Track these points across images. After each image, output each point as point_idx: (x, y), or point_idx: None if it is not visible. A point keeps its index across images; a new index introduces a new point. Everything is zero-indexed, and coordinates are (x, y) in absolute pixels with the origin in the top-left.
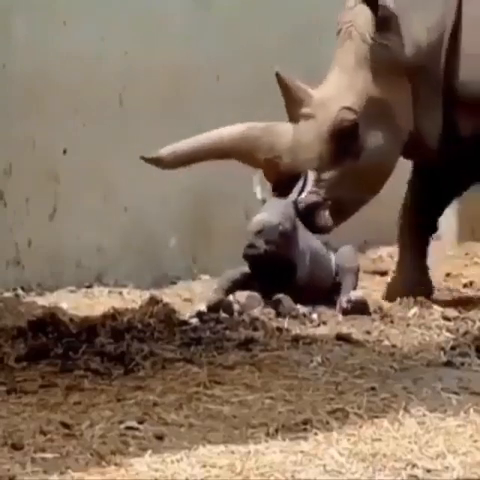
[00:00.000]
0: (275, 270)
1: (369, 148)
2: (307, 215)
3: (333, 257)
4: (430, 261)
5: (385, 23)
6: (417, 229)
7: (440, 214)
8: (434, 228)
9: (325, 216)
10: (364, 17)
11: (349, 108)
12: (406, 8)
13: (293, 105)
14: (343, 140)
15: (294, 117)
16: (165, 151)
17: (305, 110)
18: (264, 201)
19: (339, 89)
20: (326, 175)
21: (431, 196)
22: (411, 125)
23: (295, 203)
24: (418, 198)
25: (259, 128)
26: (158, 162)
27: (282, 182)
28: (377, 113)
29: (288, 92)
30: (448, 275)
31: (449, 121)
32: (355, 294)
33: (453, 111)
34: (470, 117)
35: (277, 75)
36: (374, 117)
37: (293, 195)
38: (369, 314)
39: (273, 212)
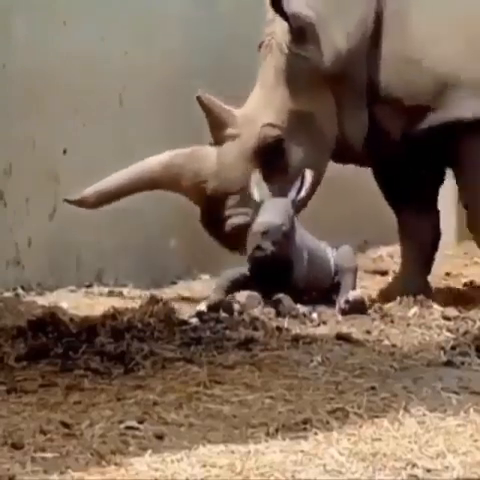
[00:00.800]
0: (275, 270)
1: (296, 161)
2: (233, 236)
3: (332, 257)
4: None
5: (301, 33)
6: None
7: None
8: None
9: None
10: (282, 28)
11: (271, 124)
12: (326, 15)
13: (217, 127)
14: (269, 157)
15: (219, 139)
16: (88, 192)
17: (229, 131)
18: (261, 202)
19: (260, 106)
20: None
21: (391, 192)
22: (336, 131)
23: (293, 202)
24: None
25: (183, 155)
26: (82, 203)
27: (211, 207)
28: (300, 125)
29: (211, 115)
30: (448, 275)
31: (374, 123)
32: (353, 294)
33: (378, 113)
34: (394, 118)
35: (198, 98)
36: (298, 130)
37: (291, 194)
38: (367, 313)
39: (275, 212)
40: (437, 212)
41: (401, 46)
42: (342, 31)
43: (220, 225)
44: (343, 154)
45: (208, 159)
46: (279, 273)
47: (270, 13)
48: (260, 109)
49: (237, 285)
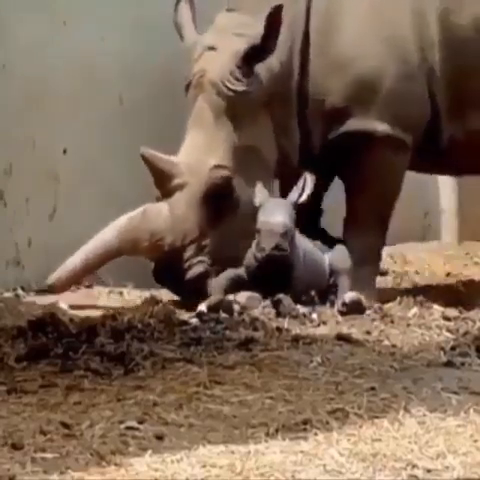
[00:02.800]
0: (277, 271)
1: (245, 196)
2: (194, 285)
3: (327, 258)
4: (430, 261)
5: (247, 69)
6: None
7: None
8: None
9: (211, 284)
10: (217, 65)
11: (219, 165)
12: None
13: (163, 181)
14: (219, 199)
15: (166, 192)
16: (53, 278)
17: (176, 181)
18: (260, 205)
19: (203, 149)
20: (208, 240)
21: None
22: (276, 153)
23: (295, 204)
24: None
25: (136, 218)
26: (51, 290)
27: (170, 261)
28: (246, 160)
29: (155, 169)
30: (448, 275)
31: (302, 129)
32: (349, 296)
33: (304, 119)
34: (317, 122)
35: (142, 156)
36: (244, 165)
37: (293, 196)
38: (364, 312)
39: (284, 214)
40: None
41: (327, 49)
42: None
43: (179, 277)
44: (281, 171)
45: (161, 215)
46: (280, 274)
47: (196, 52)
48: (203, 152)
49: (236, 285)
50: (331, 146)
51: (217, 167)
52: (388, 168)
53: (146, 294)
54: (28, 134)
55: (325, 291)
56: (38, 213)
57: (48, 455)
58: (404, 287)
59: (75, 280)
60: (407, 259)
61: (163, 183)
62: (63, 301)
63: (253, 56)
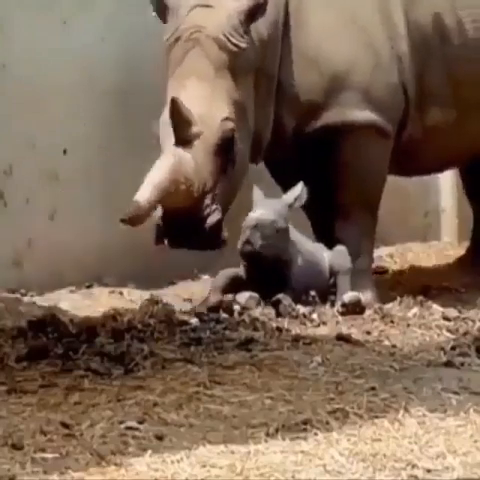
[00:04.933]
0: (270, 270)
1: (240, 153)
2: (214, 232)
3: (327, 258)
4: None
5: (251, 19)
6: None
7: None
8: None
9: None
10: (216, 21)
11: (227, 118)
12: None
13: (184, 128)
14: (227, 150)
15: (185, 140)
16: (143, 204)
17: (194, 129)
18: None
19: (208, 100)
20: (219, 188)
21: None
22: (253, 124)
23: (289, 206)
24: None
25: (175, 160)
26: (132, 221)
27: (189, 212)
28: (240, 117)
29: (181, 115)
30: (448, 275)
31: (279, 125)
32: (348, 296)
33: (277, 111)
34: (289, 115)
35: (173, 100)
36: (239, 121)
37: (289, 197)
38: (364, 312)
39: (268, 209)
40: None
41: (300, 42)
42: (265, 19)
43: (197, 227)
44: (253, 150)
45: (189, 162)
46: (275, 273)
47: (184, 9)
48: (210, 104)
49: (233, 285)
50: (307, 141)
51: (226, 119)
52: (371, 157)
53: (146, 294)
54: (28, 134)
55: (325, 291)
56: (38, 213)
57: (48, 455)
58: (404, 287)
59: (150, 211)
60: (407, 259)
61: (184, 131)
62: (63, 301)
63: (253, 14)
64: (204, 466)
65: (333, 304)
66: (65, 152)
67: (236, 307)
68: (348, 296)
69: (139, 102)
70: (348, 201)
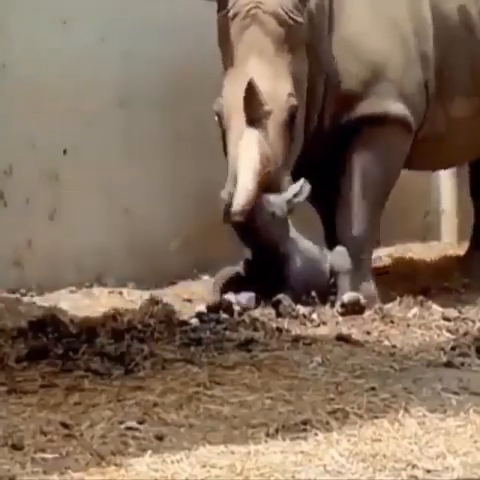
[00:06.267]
0: (268, 262)
1: (297, 128)
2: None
3: (327, 259)
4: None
5: (304, 2)
6: None
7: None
8: None
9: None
10: None
11: (290, 93)
12: None
13: (257, 107)
14: (291, 126)
15: (255, 119)
16: (237, 207)
17: (266, 108)
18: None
19: (271, 76)
20: (286, 167)
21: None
22: (305, 102)
23: (288, 202)
24: None
25: (261, 141)
26: (238, 218)
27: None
28: (298, 92)
29: (254, 94)
30: (448, 275)
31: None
32: (347, 296)
33: (323, 100)
34: (329, 105)
35: (250, 82)
36: (298, 97)
37: (288, 194)
38: (363, 312)
39: (266, 197)
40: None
41: (341, 28)
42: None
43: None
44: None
45: (263, 143)
46: (273, 267)
47: None
48: (274, 81)
49: (233, 283)
50: (339, 129)
51: (290, 95)
52: (393, 152)
53: (146, 294)
54: (28, 134)
55: (325, 291)
56: (38, 213)
57: (48, 455)
58: (404, 287)
59: (254, 199)
60: (407, 259)
61: (257, 111)
62: (63, 301)
63: None
64: (204, 466)
65: (333, 304)
66: (65, 152)
67: (236, 307)
68: (347, 296)
69: (139, 102)
70: (358, 193)
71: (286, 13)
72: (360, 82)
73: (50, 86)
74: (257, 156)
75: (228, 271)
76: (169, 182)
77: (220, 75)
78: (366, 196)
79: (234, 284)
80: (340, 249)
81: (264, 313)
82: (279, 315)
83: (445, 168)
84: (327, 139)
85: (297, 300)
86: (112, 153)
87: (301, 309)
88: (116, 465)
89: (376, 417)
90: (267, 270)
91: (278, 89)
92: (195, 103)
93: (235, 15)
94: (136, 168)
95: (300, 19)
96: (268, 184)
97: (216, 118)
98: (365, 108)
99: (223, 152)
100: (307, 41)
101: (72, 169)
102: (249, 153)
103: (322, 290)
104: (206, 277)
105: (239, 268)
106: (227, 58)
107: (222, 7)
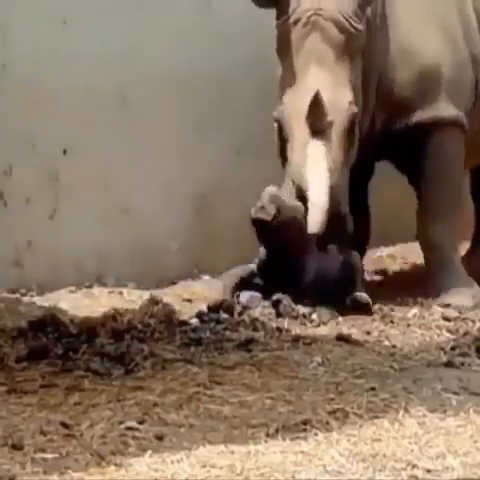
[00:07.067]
0: (282, 259)
1: (356, 136)
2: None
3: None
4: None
5: (364, 8)
6: None
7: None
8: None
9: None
10: (337, 4)
11: (351, 102)
12: None
13: (321, 117)
14: (352, 135)
15: (319, 129)
16: (316, 225)
17: (329, 118)
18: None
19: (333, 86)
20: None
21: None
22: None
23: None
24: None
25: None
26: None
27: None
28: (356, 100)
29: (320, 104)
30: None
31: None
32: (360, 295)
33: (374, 108)
34: (384, 113)
35: (317, 95)
36: (356, 104)
37: None
38: (371, 314)
39: (285, 191)
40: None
41: (392, 33)
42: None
43: (335, 218)
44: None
45: (326, 154)
46: (288, 270)
47: None
48: (335, 89)
49: (244, 283)
50: (395, 137)
51: (351, 103)
52: (456, 153)
53: (146, 294)
54: (28, 134)
55: (335, 289)
56: (38, 213)
57: (48, 455)
58: (404, 287)
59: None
60: (407, 259)
61: (321, 121)
62: (63, 301)
63: None
64: (204, 466)
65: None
66: (65, 152)
67: (236, 307)
68: (360, 295)
69: (139, 102)
70: (440, 198)
71: (346, 20)
72: (413, 87)
73: (50, 86)
74: (327, 173)
75: (239, 271)
76: (169, 182)
77: (220, 75)
78: (449, 201)
79: (246, 284)
80: (352, 253)
81: (264, 313)
82: (279, 315)
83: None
84: (377, 143)
85: (312, 301)
86: (112, 153)
87: (301, 309)
88: (116, 465)
89: (376, 417)
90: (281, 270)
91: (339, 98)
92: (194, 103)
93: (296, 22)
94: (136, 168)
95: (360, 26)
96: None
97: (275, 125)
98: (421, 114)
99: (280, 158)
100: (363, 48)
101: (72, 169)
102: (319, 169)
103: (332, 287)
104: (206, 277)
105: (252, 267)
106: (287, 65)
107: (282, 13)
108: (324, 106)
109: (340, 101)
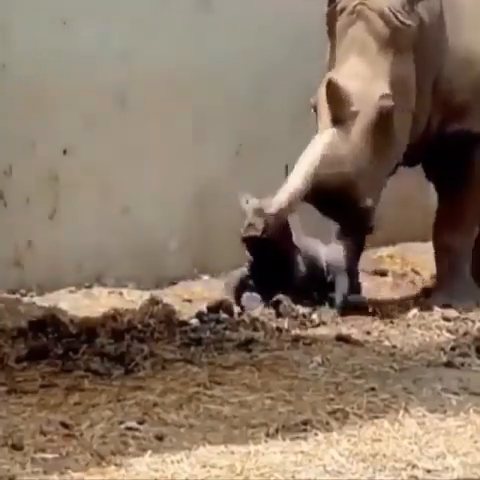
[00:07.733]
0: (273, 263)
1: (398, 133)
2: (363, 217)
3: (323, 255)
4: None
5: (413, 4)
6: None
7: None
8: None
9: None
10: None
11: (386, 95)
12: None
13: (341, 107)
14: (385, 129)
15: (340, 120)
16: (276, 204)
17: (352, 109)
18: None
19: (369, 76)
20: (375, 170)
21: None
22: (414, 105)
23: None
24: None
25: (331, 142)
26: (274, 217)
27: (347, 193)
28: (402, 97)
29: (337, 94)
30: None
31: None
32: (353, 297)
33: (433, 103)
34: (440, 114)
35: (330, 81)
36: (400, 100)
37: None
38: (368, 314)
39: (269, 199)
40: None
41: (454, 39)
42: (423, 4)
43: (352, 209)
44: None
45: (344, 143)
46: (280, 271)
47: None
48: (369, 81)
49: (244, 284)
50: (446, 141)
51: (384, 97)
52: None
53: (146, 294)
54: (28, 134)
55: (324, 289)
56: (38, 213)
57: (48, 455)
58: (404, 287)
59: (295, 204)
60: (407, 259)
61: (340, 110)
62: (63, 301)
63: None
64: (204, 466)
65: (332, 303)
66: (65, 152)
67: (236, 308)
68: (353, 297)
69: (139, 102)
70: (470, 208)
71: (393, 13)
72: (471, 90)
73: (50, 86)
74: (316, 159)
75: (238, 273)
76: (169, 182)
77: (220, 75)
78: (474, 211)
79: (246, 286)
80: (336, 246)
81: (264, 313)
82: (279, 315)
83: None
84: (432, 144)
85: (300, 300)
86: (112, 153)
87: (301, 309)
88: (116, 465)
89: (376, 417)
90: (269, 273)
91: (372, 89)
92: (194, 103)
93: (342, 10)
94: (136, 168)
95: (408, 21)
96: (345, 185)
97: (312, 110)
98: (472, 121)
99: None
100: (416, 45)
101: (72, 169)
102: (309, 154)
103: (321, 288)
104: (206, 277)
105: (245, 270)
106: (332, 51)
107: (332, 1)
108: (343, 95)
109: (371, 92)
